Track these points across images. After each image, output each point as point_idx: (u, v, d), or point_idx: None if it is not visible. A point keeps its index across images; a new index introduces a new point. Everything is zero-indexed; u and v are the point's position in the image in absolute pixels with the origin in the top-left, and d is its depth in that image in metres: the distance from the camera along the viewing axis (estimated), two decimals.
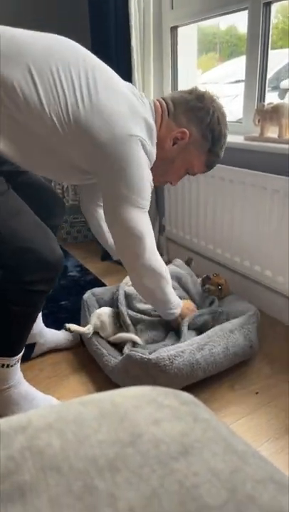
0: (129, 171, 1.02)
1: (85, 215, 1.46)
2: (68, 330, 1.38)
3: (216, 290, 1.51)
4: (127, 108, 1.04)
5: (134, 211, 1.06)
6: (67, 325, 1.39)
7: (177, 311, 1.30)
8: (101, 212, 1.39)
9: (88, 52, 1.06)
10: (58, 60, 0.96)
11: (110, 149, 1.00)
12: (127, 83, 1.13)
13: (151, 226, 1.13)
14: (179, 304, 1.31)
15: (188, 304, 1.39)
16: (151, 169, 1.10)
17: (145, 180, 1.07)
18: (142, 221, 1.09)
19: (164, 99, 1.17)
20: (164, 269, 1.19)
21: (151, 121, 1.10)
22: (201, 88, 1.18)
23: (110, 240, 1.35)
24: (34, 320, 1.12)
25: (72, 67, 0.98)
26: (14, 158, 1.00)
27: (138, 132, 1.04)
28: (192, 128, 1.14)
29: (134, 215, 1.07)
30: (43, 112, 0.94)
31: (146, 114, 1.09)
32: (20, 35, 0.98)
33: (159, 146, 1.13)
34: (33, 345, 1.41)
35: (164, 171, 1.19)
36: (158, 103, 1.15)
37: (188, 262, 1.65)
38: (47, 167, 1.10)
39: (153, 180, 1.11)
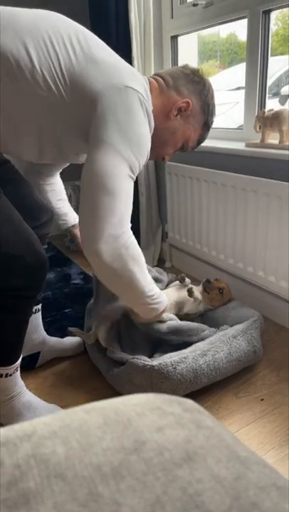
0: (124, 118, 0.95)
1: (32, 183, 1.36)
2: (71, 334, 1.39)
3: (218, 295, 1.51)
4: (124, 65, 1.02)
5: (120, 164, 0.94)
6: (70, 328, 1.39)
7: (158, 306, 1.15)
8: (48, 179, 1.38)
9: (82, 26, 1.02)
10: (49, 27, 0.94)
11: (106, 99, 0.94)
12: None
13: (132, 198, 1.00)
14: (164, 298, 1.17)
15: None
16: (150, 140, 1.04)
17: (142, 134, 0.99)
18: (123, 180, 0.96)
19: (158, 74, 1.17)
20: (134, 247, 1.01)
21: (148, 88, 1.08)
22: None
23: (61, 204, 1.37)
24: (26, 326, 1.10)
25: (63, 31, 0.95)
26: (8, 139, 0.97)
27: (137, 88, 0.98)
28: (193, 99, 1.14)
29: (116, 167, 0.94)
30: (35, 72, 0.91)
31: (142, 81, 1.07)
32: (9, 8, 0.96)
33: (163, 115, 1.11)
34: (37, 355, 1.41)
35: (164, 142, 1.16)
36: (152, 79, 1.14)
37: (182, 279, 1.54)
38: (38, 144, 1.03)
39: (150, 152, 1.06)
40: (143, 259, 1.05)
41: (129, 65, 1.06)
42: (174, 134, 1.17)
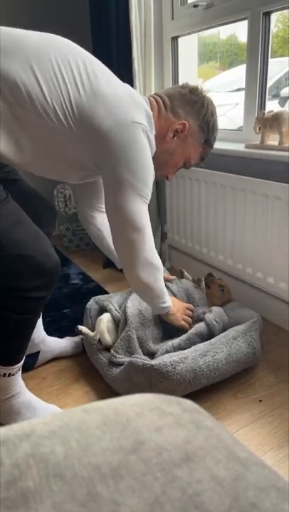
0: (133, 157, 1.02)
1: (82, 222, 1.45)
2: (80, 332, 1.38)
3: (218, 291, 1.52)
4: (128, 97, 1.05)
5: (137, 200, 1.06)
6: (80, 327, 1.38)
7: (170, 303, 1.30)
8: (99, 217, 1.39)
9: (84, 50, 1.06)
10: (56, 52, 0.97)
11: (114, 136, 1.00)
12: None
13: (149, 219, 1.13)
14: (168, 297, 1.31)
15: (175, 302, 1.38)
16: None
17: (149, 168, 1.07)
18: (144, 212, 1.09)
19: (157, 94, 1.19)
20: (160, 262, 1.20)
21: (150, 113, 1.11)
22: (191, 83, 1.22)
23: (112, 245, 1.35)
24: (34, 327, 1.11)
25: (71, 59, 0.98)
26: (12, 156, 0.99)
27: (141, 120, 1.04)
28: (190, 120, 1.17)
29: (136, 204, 1.06)
30: (46, 104, 0.94)
31: (145, 106, 1.10)
32: (16, 31, 0.98)
33: (160, 138, 1.15)
34: (36, 354, 1.41)
35: (164, 163, 1.20)
36: (152, 99, 1.17)
37: (181, 274, 1.64)
38: (46, 165, 1.09)
39: None
40: (161, 263, 1.22)
41: (130, 91, 1.10)
42: (173, 155, 1.21)
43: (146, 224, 1.11)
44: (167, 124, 1.16)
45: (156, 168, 1.12)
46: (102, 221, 1.39)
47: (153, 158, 1.10)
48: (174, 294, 1.47)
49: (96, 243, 1.47)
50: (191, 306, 1.43)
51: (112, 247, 1.33)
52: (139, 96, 1.13)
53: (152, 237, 1.15)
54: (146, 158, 1.05)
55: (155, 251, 1.17)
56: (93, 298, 1.57)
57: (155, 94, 1.20)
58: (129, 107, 1.04)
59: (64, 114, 0.97)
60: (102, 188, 1.17)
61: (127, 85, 1.12)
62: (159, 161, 1.14)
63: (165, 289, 1.27)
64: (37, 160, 1.05)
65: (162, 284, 1.24)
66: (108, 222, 1.14)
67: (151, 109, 1.14)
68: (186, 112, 1.16)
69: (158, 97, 1.18)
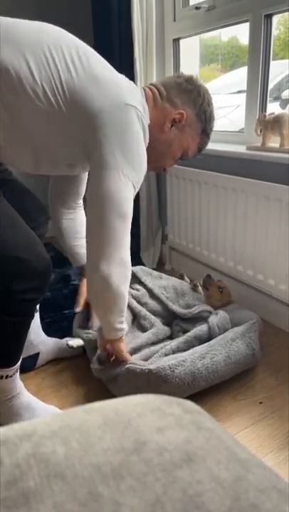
0: (125, 139, 0.97)
1: (53, 222, 1.40)
2: (71, 347, 1.38)
3: (217, 293, 1.52)
4: (122, 82, 1.04)
5: (125, 185, 0.98)
6: (70, 342, 1.36)
7: (126, 327, 1.16)
8: (74, 212, 1.38)
9: (78, 39, 1.04)
10: (49, 39, 0.95)
11: (106, 116, 0.96)
12: None
13: (132, 213, 1.04)
14: (126, 327, 1.17)
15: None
16: (147, 154, 1.05)
17: (141, 154, 1.02)
18: (130, 199, 1.01)
19: (153, 84, 1.17)
20: (131, 268, 1.08)
21: (145, 103, 1.09)
22: (186, 72, 1.20)
23: (74, 242, 1.33)
24: (28, 328, 1.11)
25: (63, 45, 0.96)
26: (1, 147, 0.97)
27: (135, 104, 1.01)
28: (187, 109, 1.14)
29: (123, 188, 0.98)
30: (35, 84, 0.92)
31: (140, 95, 1.09)
32: (8, 19, 0.97)
33: (158, 129, 1.12)
34: (36, 356, 1.41)
35: (162, 154, 1.18)
36: (148, 89, 1.15)
37: (181, 277, 1.65)
38: (32, 154, 1.04)
39: (148, 165, 1.07)
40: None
41: (127, 79, 1.08)
42: (171, 146, 1.18)
43: (130, 214, 1.01)
44: (164, 113, 1.13)
45: (153, 160, 1.09)
46: (75, 215, 1.38)
47: (150, 149, 1.07)
48: (150, 290, 1.47)
49: (61, 242, 1.42)
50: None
51: (76, 243, 1.31)
52: (135, 87, 1.11)
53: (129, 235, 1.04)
54: (139, 142, 1.00)
55: (129, 252, 1.06)
56: None
57: (150, 84, 1.18)
58: (123, 90, 1.00)
59: (54, 95, 0.93)
60: (81, 184, 1.13)
61: (123, 76, 1.09)
62: (157, 152, 1.12)
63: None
64: (22, 147, 1.01)
65: (126, 299, 1.09)
66: (86, 213, 1.06)
67: (147, 100, 1.11)
68: (183, 102, 1.14)
69: (153, 87, 1.15)
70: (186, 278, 1.63)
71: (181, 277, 1.63)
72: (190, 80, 1.16)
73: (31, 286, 1.01)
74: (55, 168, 1.13)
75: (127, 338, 1.32)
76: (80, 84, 0.95)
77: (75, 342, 1.37)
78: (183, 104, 1.14)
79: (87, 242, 1.06)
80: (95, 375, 1.27)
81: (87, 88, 0.95)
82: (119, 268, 1.02)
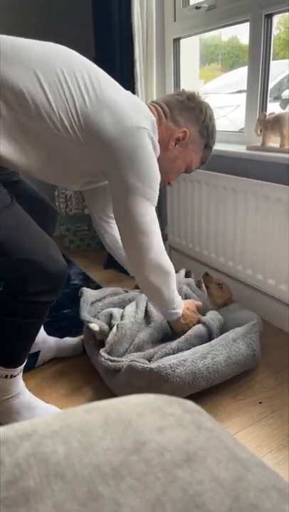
0: (139, 162, 1.03)
1: (97, 231, 1.46)
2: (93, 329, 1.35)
3: (217, 290, 1.52)
4: (132, 104, 1.07)
5: (144, 204, 1.07)
6: (91, 325, 1.36)
7: (180, 310, 1.29)
8: (114, 226, 1.39)
9: (87, 59, 1.08)
10: (61, 62, 0.98)
11: (120, 143, 1.01)
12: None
13: (158, 222, 1.14)
14: (181, 304, 1.30)
15: (189, 304, 1.37)
16: None
17: (155, 172, 1.08)
18: (151, 215, 1.10)
19: (156, 103, 1.21)
20: (171, 266, 1.19)
21: (154, 118, 1.13)
22: (187, 89, 1.24)
23: (122, 257, 1.36)
24: (38, 330, 1.12)
25: (76, 69, 0.99)
26: (17, 162, 0.99)
27: (145, 125, 1.06)
28: (190, 127, 1.19)
29: (143, 208, 1.07)
30: (52, 112, 0.95)
31: (149, 112, 1.12)
32: (21, 40, 0.99)
33: (162, 147, 1.16)
34: (36, 354, 1.41)
35: (167, 170, 1.21)
36: (153, 107, 1.18)
37: (187, 275, 1.65)
38: (50, 172, 1.10)
39: None
40: (174, 271, 1.22)
41: (134, 97, 1.12)
42: (175, 162, 1.23)
43: (155, 227, 1.12)
44: (168, 132, 1.18)
45: (160, 175, 1.13)
46: (116, 228, 1.40)
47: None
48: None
49: (110, 252, 1.47)
50: (199, 304, 1.42)
51: (121, 257, 1.35)
52: (142, 103, 1.15)
53: (161, 240, 1.15)
54: (152, 162, 1.06)
55: (165, 254, 1.17)
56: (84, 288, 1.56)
57: (153, 102, 1.22)
58: (134, 113, 1.05)
59: (70, 123, 0.98)
60: (109, 198, 1.17)
61: (129, 93, 1.14)
62: (162, 168, 1.15)
63: (176, 295, 1.26)
64: (40, 167, 1.05)
65: (172, 289, 1.22)
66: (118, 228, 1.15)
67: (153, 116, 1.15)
68: (186, 119, 1.18)
69: (157, 105, 1.19)
70: (192, 276, 1.63)
71: (188, 275, 1.62)
72: (192, 98, 1.20)
73: (45, 289, 1.02)
74: (73, 184, 1.20)
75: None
76: (93, 110, 0.99)
77: (95, 325, 1.36)
78: (186, 122, 1.18)
79: (125, 254, 1.21)
80: (104, 364, 1.27)
81: (101, 114, 1.00)
82: (156, 273, 1.15)
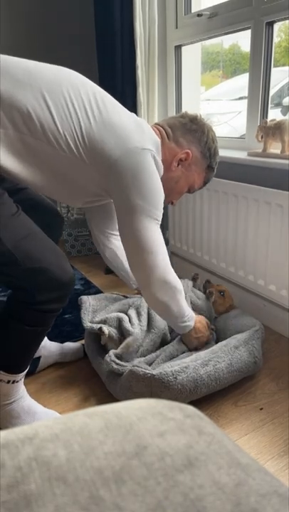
0: (144, 182, 1.05)
1: (96, 247, 1.46)
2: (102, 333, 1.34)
3: (219, 297, 1.51)
4: (136, 126, 1.10)
5: (149, 223, 1.08)
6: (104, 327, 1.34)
7: (191, 323, 1.28)
8: (114, 239, 1.41)
9: (93, 83, 1.11)
10: (68, 85, 1.01)
11: (124, 164, 1.03)
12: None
13: (163, 239, 1.15)
14: (192, 317, 1.29)
15: (200, 318, 1.37)
16: None
17: (159, 191, 1.10)
18: (156, 234, 1.11)
19: (159, 125, 1.23)
20: (178, 281, 1.19)
21: (158, 140, 1.16)
22: (190, 111, 1.27)
23: (126, 266, 1.36)
24: (43, 337, 1.12)
25: (82, 91, 1.02)
26: (23, 177, 1.01)
27: (149, 146, 1.08)
28: (192, 148, 1.21)
29: (148, 226, 1.08)
30: (58, 134, 0.97)
31: (152, 133, 1.15)
32: (31, 63, 1.02)
33: (165, 167, 1.19)
34: (37, 359, 1.41)
35: (169, 190, 1.23)
36: (156, 129, 1.21)
37: (194, 279, 1.65)
38: (55, 190, 1.12)
39: None
40: (182, 286, 1.21)
41: (140, 120, 1.15)
42: (178, 182, 1.25)
43: (161, 245, 1.12)
44: (171, 154, 1.20)
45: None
46: (116, 244, 1.41)
47: None
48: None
49: (111, 266, 1.47)
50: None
51: (127, 267, 1.35)
52: (146, 124, 1.17)
53: (167, 255, 1.16)
54: (155, 182, 1.08)
55: (171, 270, 1.17)
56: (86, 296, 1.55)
57: (157, 124, 1.24)
58: (138, 134, 1.07)
59: (75, 143, 1.00)
60: (114, 212, 1.19)
61: (134, 115, 1.16)
62: (165, 188, 1.16)
63: (186, 308, 1.25)
64: (45, 184, 1.07)
65: (181, 303, 1.22)
66: (122, 245, 1.16)
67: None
68: (188, 141, 1.21)
69: (160, 127, 1.21)
70: (198, 282, 1.64)
71: (194, 279, 1.63)
72: (194, 120, 1.22)
73: (54, 297, 1.03)
74: (75, 201, 1.21)
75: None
76: (98, 132, 1.01)
77: (106, 329, 1.33)
78: (188, 144, 1.21)
79: (131, 272, 1.21)
80: (111, 368, 1.26)
81: (106, 136, 1.02)
82: (163, 290, 1.15)
